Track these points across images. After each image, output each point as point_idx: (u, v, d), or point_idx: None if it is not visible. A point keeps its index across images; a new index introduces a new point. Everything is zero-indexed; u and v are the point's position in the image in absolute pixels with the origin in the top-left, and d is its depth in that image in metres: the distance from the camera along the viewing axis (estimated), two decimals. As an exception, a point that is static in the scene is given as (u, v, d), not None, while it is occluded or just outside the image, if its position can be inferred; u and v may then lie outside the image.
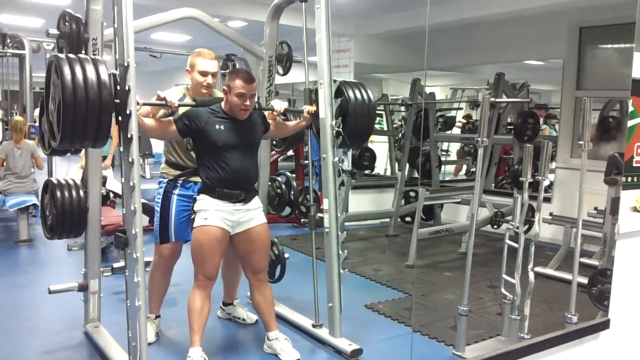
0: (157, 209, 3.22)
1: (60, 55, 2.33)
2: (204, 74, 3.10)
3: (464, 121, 9.26)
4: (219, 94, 3.22)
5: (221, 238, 2.89)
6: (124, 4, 2.39)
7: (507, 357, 2.50)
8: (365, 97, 3.33)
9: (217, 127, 2.86)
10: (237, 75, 2.87)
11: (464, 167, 9.82)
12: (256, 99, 3.00)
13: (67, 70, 2.24)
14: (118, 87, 2.39)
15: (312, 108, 3.28)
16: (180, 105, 2.87)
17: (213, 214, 2.87)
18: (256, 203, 3.05)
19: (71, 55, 2.34)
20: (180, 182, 3.21)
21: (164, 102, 2.74)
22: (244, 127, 2.95)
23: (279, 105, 3.20)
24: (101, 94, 2.28)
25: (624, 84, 2.84)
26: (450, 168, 9.96)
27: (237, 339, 3.48)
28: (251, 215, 2.99)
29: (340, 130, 3.20)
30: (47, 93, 2.45)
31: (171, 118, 2.86)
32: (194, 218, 2.97)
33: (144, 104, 2.69)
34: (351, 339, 3.22)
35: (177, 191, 3.20)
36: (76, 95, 2.22)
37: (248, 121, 2.97)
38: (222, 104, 2.94)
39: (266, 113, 3.21)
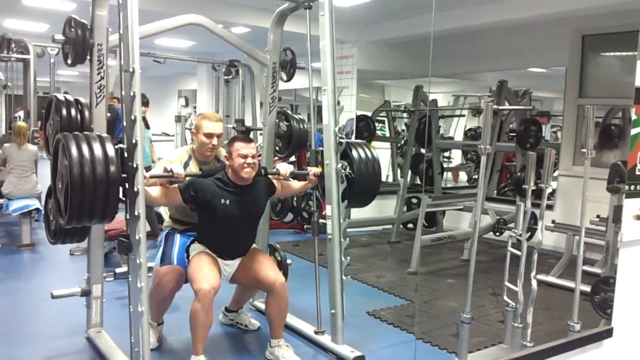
0: (160, 246, 3.26)
1: (67, 134, 2.38)
2: (209, 136, 3.18)
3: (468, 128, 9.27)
4: (223, 152, 3.25)
5: (217, 262, 3.02)
6: (130, 10, 2.41)
7: (509, 365, 2.49)
8: (370, 155, 3.35)
9: (222, 201, 2.93)
10: (235, 140, 3.02)
11: (465, 173, 9.83)
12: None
13: (74, 151, 2.28)
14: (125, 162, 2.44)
15: (318, 170, 3.31)
16: (187, 176, 2.92)
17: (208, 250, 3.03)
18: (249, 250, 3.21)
19: (78, 134, 2.39)
20: (184, 228, 3.30)
21: (170, 174, 2.79)
22: (249, 199, 3.03)
23: (284, 169, 3.22)
24: (108, 172, 2.32)
25: (626, 92, 2.84)
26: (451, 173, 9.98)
27: (240, 345, 3.47)
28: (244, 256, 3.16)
29: (348, 173, 3.24)
30: (55, 172, 2.51)
31: (177, 186, 2.91)
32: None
33: (151, 177, 2.76)
34: (353, 346, 3.21)
35: (180, 232, 3.28)
36: (83, 177, 2.27)
37: (253, 191, 3.05)
38: (227, 171, 3.00)
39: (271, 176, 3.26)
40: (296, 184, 3.43)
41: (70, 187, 2.27)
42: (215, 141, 3.20)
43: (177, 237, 3.24)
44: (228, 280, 3.15)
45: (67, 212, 2.33)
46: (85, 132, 2.46)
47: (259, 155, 3.51)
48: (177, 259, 3.14)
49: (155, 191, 2.82)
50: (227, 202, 2.93)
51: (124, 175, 2.43)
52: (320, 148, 3.31)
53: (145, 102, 5.34)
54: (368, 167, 3.32)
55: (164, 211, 3.45)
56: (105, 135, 2.48)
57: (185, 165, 3.19)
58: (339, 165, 3.19)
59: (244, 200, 3.00)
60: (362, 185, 3.30)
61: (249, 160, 2.92)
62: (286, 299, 3.11)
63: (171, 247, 3.19)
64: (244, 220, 3.04)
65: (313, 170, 3.32)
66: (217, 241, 3.04)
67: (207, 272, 2.87)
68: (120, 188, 2.43)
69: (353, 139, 6.24)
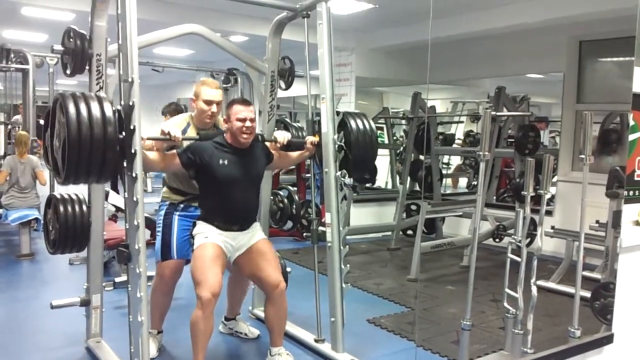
0: (159, 229, 3.24)
1: (65, 93, 2.36)
2: (208, 102, 3.15)
3: (461, 142, 9.28)
4: (222, 120, 3.25)
5: (221, 254, 2.91)
6: (128, 20, 2.42)
7: (510, 371, 2.49)
8: (367, 127, 3.38)
9: (220, 162, 2.90)
10: (233, 102, 2.98)
11: (465, 179, 9.83)
12: (259, 130, 3.04)
13: (72, 109, 2.27)
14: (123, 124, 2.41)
15: (315, 139, 3.31)
16: (184, 139, 2.92)
17: (213, 235, 2.92)
18: (255, 226, 3.11)
19: (77, 93, 2.36)
20: (182, 206, 3.24)
21: (168, 137, 2.79)
22: (248, 160, 3.00)
23: (282, 136, 3.24)
24: (106, 132, 2.30)
25: (624, 97, 2.85)
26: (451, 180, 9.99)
27: (239, 354, 3.46)
28: (250, 235, 3.04)
29: (343, 144, 3.22)
30: (52, 130, 2.48)
31: (175, 151, 2.90)
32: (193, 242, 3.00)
33: (148, 139, 2.74)
34: (354, 354, 3.21)
35: (178, 212, 3.23)
36: (81, 134, 2.25)
37: (251, 155, 3.02)
38: (225, 135, 2.98)
39: (269, 144, 3.25)
40: (293, 154, 3.41)
41: (67, 145, 2.24)
42: (214, 108, 3.16)
43: (176, 221, 3.19)
44: (232, 260, 3.01)
45: (64, 169, 2.30)
46: (84, 92, 2.43)
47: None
48: (177, 250, 3.16)
49: (153, 155, 2.80)
50: (226, 162, 2.90)
51: (122, 135, 2.40)
52: (317, 118, 3.30)
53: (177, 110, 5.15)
54: (366, 138, 3.35)
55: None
56: (103, 95, 2.46)
57: (184, 132, 3.14)
58: (338, 173, 3.20)
59: (243, 162, 2.96)
60: (358, 156, 3.32)
61: (248, 124, 2.90)
62: (285, 306, 3.08)
63: (170, 235, 3.17)
64: (244, 182, 2.98)
65: (310, 138, 3.32)
66: (219, 207, 2.95)
67: (211, 275, 2.79)
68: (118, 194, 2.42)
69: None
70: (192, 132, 3.18)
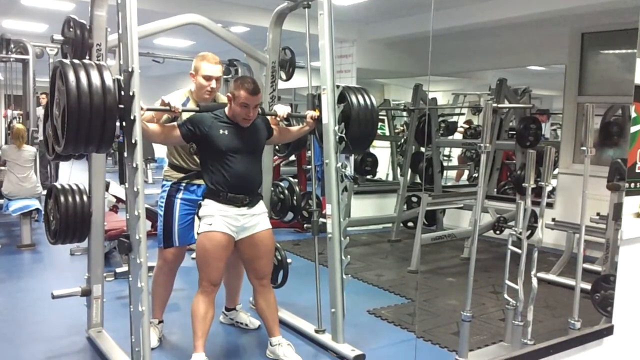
0: (161, 212, 3.22)
1: (64, 60, 2.34)
2: (208, 78, 3.11)
3: (466, 126, 9.26)
4: (222, 98, 3.24)
5: (226, 244, 2.89)
6: (129, 10, 2.41)
7: (510, 363, 2.49)
8: (368, 102, 3.35)
9: (221, 132, 2.87)
10: (243, 85, 2.85)
11: (466, 171, 9.81)
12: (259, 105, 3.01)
13: (71, 76, 2.24)
14: (122, 93, 2.40)
15: (315, 113, 3.28)
16: (184, 111, 2.89)
17: (218, 220, 2.87)
18: (261, 208, 3.05)
19: (76, 61, 2.34)
20: (184, 184, 3.20)
21: (167, 108, 2.76)
22: (248, 132, 2.96)
23: (282, 110, 3.20)
24: (105, 100, 2.28)
25: (626, 89, 2.84)
26: (452, 173, 9.96)
27: (240, 345, 3.48)
28: (256, 220, 3.00)
29: (343, 135, 3.21)
30: (52, 98, 2.46)
31: (175, 123, 2.88)
32: (198, 222, 2.97)
33: (148, 109, 2.70)
34: (354, 344, 3.22)
35: (180, 195, 3.19)
36: (81, 101, 2.23)
37: (252, 127, 2.98)
38: (226, 109, 2.95)
39: (269, 118, 3.22)
40: (293, 128, 3.41)
41: (67, 112, 2.23)
42: (213, 84, 3.12)
43: (177, 206, 3.17)
44: (237, 238, 2.96)
45: (63, 137, 2.29)
46: (84, 60, 2.41)
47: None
48: (179, 237, 3.17)
49: (153, 126, 2.79)
50: (226, 132, 2.88)
51: (122, 105, 2.38)
52: (318, 92, 3.28)
53: None
54: (367, 114, 3.33)
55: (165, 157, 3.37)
56: (103, 63, 2.44)
57: (183, 106, 3.08)
58: (339, 164, 3.19)
59: (243, 133, 2.93)
60: (358, 129, 3.31)
61: (250, 113, 2.88)
62: (273, 295, 3.13)
63: (171, 220, 3.16)
64: (245, 152, 2.94)
65: (310, 113, 3.29)
66: (223, 179, 2.88)
67: (214, 267, 2.85)
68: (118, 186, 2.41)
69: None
70: (191, 107, 3.12)
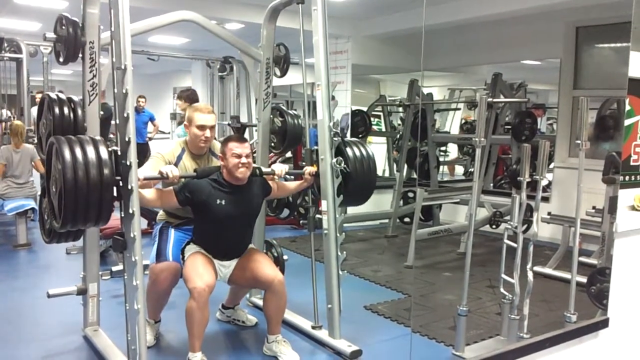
0: (155, 241, 3.21)
1: (60, 138, 2.37)
2: (201, 128, 3.13)
3: (464, 121, 9.28)
4: (217, 145, 3.24)
5: (212, 263, 3.00)
6: (121, 7, 2.40)
7: (506, 356, 2.49)
8: (365, 154, 3.35)
9: (218, 202, 2.92)
10: (229, 140, 2.99)
11: (462, 167, 9.83)
12: (256, 161, 3.04)
13: (67, 154, 2.26)
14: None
15: (313, 169, 3.30)
16: (181, 177, 2.92)
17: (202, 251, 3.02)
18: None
19: (71, 137, 2.37)
20: (178, 225, 3.26)
21: (165, 177, 2.80)
22: (245, 199, 3.02)
23: (280, 169, 3.24)
24: (102, 175, 2.31)
25: (620, 83, 2.84)
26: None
27: (237, 342, 3.48)
28: (237, 258, 3.13)
29: (343, 167, 3.24)
30: (49, 174, 2.49)
31: (172, 188, 2.91)
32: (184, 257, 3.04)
33: (145, 179, 2.74)
34: (351, 340, 3.22)
35: (174, 226, 3.24)
36: (77, 180, 2.25)
37: (249, 191, 3.04)
38: (222, 172, 2.99)
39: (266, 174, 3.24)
40: (292, 184, 3.43)
41: (64, 192, 2.25)
42: (208, 133, 3.14)
43: (172, 232, 3.21)
44: (225, 281, 3.13)
45: (61, 216, 2.32)
46: (79, 135, 2.44)
47: (254, 153, 3.48)
48: (173, 254, 3.12)
49: (149, 193, 2.83)
50: (223, 202, 2.92)
51: (118, 177, 2.42)
52: (316, 147, 3.29)
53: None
54: (363, 165, 3.33)
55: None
56: (98, 138, 2.46)
57: (179, 158, 3.16)
58: (334, 160, 3.19)
59: (240, 200, 2.99)
60: (357, 183, 3.31)
61: (243, 160, 2.91)
62: (285, 296, 3.09)
63: (166, 243, 3.16)
64: (240, 221, 3.04)
65: (308, 169, 3.32)
66: (213, 242, 3.02)
67: (202, 271, 2.87)
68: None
69: (348, 136, 6.25)
70: (187, 158, 3.18)
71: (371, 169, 3.38)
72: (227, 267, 3.08)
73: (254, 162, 3.14)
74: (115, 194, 2.43)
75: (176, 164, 3.10)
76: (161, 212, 3.36)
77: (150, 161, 3.11)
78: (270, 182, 3.22)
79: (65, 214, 2.29)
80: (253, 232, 3.29)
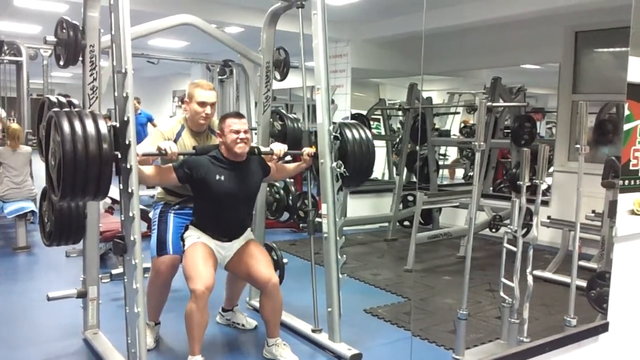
0: (154, 226, 3.22)
1: (59, 110, 2.35)
2: (202, 104, 3.12)
3: (463, 125, 9.30)
4: (217, 123, 3.24)
5: (212, 253, 2.98)
6: (121, 11, 2.40)
7: (506, 360, 2.50)
8: (364, 136, 3.35)
9: (217, 177, 2.91)
10: (226, 116, 2.99)
11: (462, 170, 9.84)
12: (254, 143, 3.04)
13: (66, 127, 2.25)
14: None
15: (312, 150, 3.31)
16: (180, 154, 2.91)
17: (202, 238, 2.98)
18: (245, 236, 3.15)
19: (70, 110, 2.36)
20: (177, 207, 3.24)
21: (164, 153, 2.78)
22: (244, 176, 3.01)
23: (278, 148, 3.22)
24: (101, 149, 2.29)
25: (619, 87, 2.84)
26: (447, 172, 10.00)
27: (237, 345, 3.47)
28: (238, 244, 3.10)
29: (342, 171, 3.23)
30: (47, 147, 2.47)
31: (171, 165, 2.89)
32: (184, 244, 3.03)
33: (144, 155, 2.73)
34: (351, 343, 3.22)
35: (174, 211, 3.23)
36: (76, 153, 2.23)
37: (247, 168, 3.03)
38: (220, 148, 2.98)
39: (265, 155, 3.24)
40: (290, 165, 3.44)
41: (62, 164, 2.23)
42: (208, 110, 3.12)
43: (171, 219, 3.19)
44: (223, 266, 3.10)
45: (59, 188, 2.29)
46: (78, 109, 2.41)
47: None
48: (173, 246, 3.13)
49: (148, 170, 2.80)
50: (222, 177, 2.91)
51: (117, 152, 2.39)
52: (314, 129, 3.29)
53: None
54: (362, 147, 3.33)
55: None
56: (97, 112, 2.45)
57: (178, 135, 3.14)
58: (334, 164, 3.19)
59: (239, 176, 2.98)
60: (356, 165, 3.31)
61: (242, 135, 2.91)
62: (280, 299, 3.09)
63: (165, 231, 3.16)
64: (240, 197, 3.01)
65: (307, 150, 3.33)
66: (213, 220, 3.00)
67: (202, 269, 2.84)
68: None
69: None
70: (186, 135, 3.17)
71: (370, 151, 3.38)
72: (226, 249, 3.05)
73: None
74: (114, 169, 2.40)
75: (175, 141, 3.08)
76: (160, 190, 3.32)
77: (149, 137, 3.10)
78: (269, 164, 3.22)
79: (64, 186, 2.26)
80: (252, 217, 3.25)
